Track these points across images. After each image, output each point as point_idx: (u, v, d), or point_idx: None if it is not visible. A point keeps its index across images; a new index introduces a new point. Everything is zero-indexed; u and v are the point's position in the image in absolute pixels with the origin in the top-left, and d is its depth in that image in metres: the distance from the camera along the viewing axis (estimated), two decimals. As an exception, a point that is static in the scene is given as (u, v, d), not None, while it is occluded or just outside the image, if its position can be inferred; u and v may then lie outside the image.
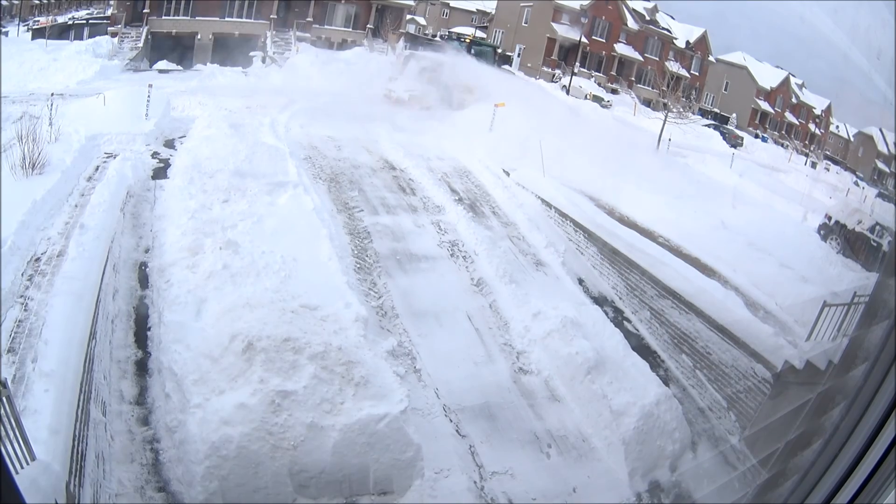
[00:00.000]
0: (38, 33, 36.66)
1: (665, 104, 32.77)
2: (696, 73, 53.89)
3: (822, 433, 4.08)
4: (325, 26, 41.60)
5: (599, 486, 10.11)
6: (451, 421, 10.45)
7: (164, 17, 37.69)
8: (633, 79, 51.98)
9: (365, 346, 10.30)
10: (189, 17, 38.09)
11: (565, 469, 10.21)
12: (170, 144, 19.84)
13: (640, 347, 13.45)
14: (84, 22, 39.24)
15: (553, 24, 48.70)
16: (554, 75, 47.42)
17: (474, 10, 56.89)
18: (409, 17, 47.08)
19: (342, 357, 9.50)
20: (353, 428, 8.71)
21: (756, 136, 51.15)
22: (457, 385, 11.14)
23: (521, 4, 50.59)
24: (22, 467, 5.80)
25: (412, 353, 11.74)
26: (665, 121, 27.92)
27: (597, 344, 12.05)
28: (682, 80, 50.25)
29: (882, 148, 48.16)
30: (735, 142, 44.28)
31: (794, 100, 55.15)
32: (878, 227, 21.23)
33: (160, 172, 17.24)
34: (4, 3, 38.91)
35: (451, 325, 12.83)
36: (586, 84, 47.51)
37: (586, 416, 11.03)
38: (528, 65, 47.06)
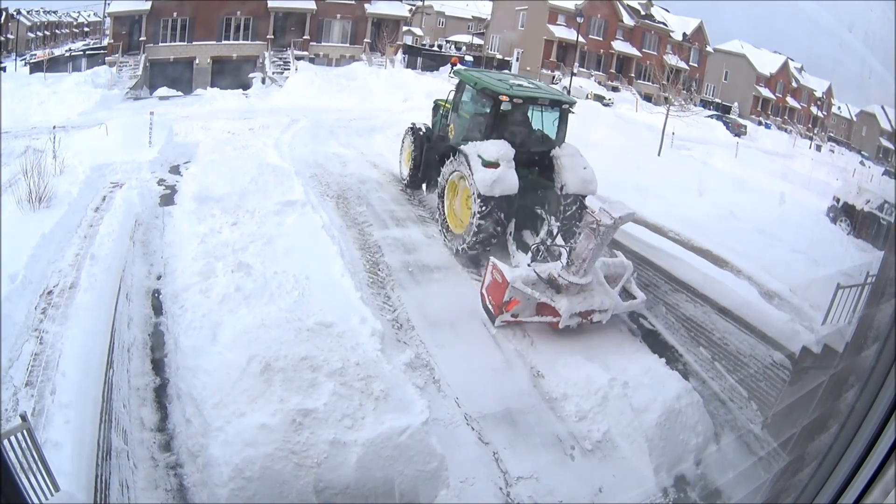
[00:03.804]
0: (35, 67, 36.93)
1: (666, 98, 32.68)
2: (695, 65, 54.06)
3: (839, 416, 4.09)
4: (323, 43, 41.74)
5: (625, 484, 10.07)
6: (474, 429, 10.41)
7: (160, 44, 37.90)
8: (632, 75, 52.15)
9: (383, 359, 10.30)
10: (186, 43, 38.27)
11: (590, 469, 10.16)
12: (175, 170, 19.91)
13: (658, 343, 13.43)
14: (81, 53, 39.51)
15: (549, 26, 48.75)
16: (554, 77, 47.48)
17: (470, 17, 57.00)
18: (405, 28, 47.15)
19: (361, 372, 9.48)
20: (375, 442, 8.68)
21: (759, 124, 51.24)
22: (477, 393, 11.09)
23: (517, 8, 50.71)
24: (46, 499, 5.83)
25: (430, 364, 11.69)
26: (667, 115, 27.86)
27: (614, 341, 12.05)
28: (682, 72, 50.34)
29: (885, 125, 48.15)
30: (738, 131, 44.36)
31: (794, 84, 55.19)
32: (886, 206, 21.19)
33: (167, 199, 17.30)
34: (0, 38, 39.06)
35: (467, 334, 12.78)
36: (587, 83, 47.59)
37: (608, 415, 11.00)
38: (528, 68, 47.15)
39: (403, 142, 20.07)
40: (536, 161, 15.77)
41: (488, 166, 14.41)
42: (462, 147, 15.57)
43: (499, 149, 14.65)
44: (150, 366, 10.69)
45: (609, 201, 12.17)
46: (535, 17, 49.47)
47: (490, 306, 12.98)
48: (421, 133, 18.92)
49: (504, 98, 15.21)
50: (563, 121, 15.98)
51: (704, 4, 54.46)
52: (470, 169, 14.81)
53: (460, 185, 15.79)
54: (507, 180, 14.37)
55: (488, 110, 15.78)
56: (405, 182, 19.86)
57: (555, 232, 14.24)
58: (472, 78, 16.78)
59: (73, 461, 6.75)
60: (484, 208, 14.54)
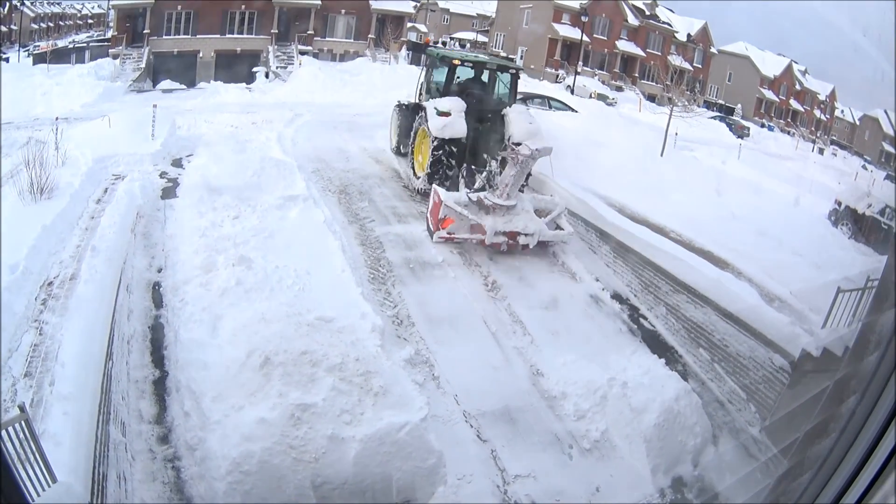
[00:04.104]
0: (38, 58, 36.81)
1: (670, 99, 32.62)
2: (699, 66, 54.00)
3: (839, 420, 4.07)
4: (327, 38, 41.70)
5: (622, 484, 10.05)
6: (472, 426, 10.40)
7: (164, 37, 37.81)
8: (636, 75, 52.05)
9: (382, 355, 10.27)
10: (190, 36, 38.19)
11: (588, 469, 10.14)
12: (177, 163, 19.94)
13: (658, 343, 13.43)
14: (85, 45, 39.47)
15: (554, 25, 48.70)
16: (558, 75, 47.42)
17: (474, 14, 56.98)
18: (409, 25, 47.12)
19: (360, 368, 9.46)
20: (374, 438, 8.67)
21: (762, 126, 51.17)
22: (476, 390, 11.07)
23: (521, 6, 50.67)
24: (43, 489, 5.82)
25: (430, 361, 11.69)
26: (670, 115, 27.79)
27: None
28: (686, 73, 50.29)
29: (888, 129, 48.10)
30: (741, 132, 44.27)
31: (797, 87, 55.16)
32: (888, 210, 21.16)
33: (169, 192, 17.30)
34: (4, 29, 39.01)
35: (467, 331, 12.77)
36: (590, 83, 47.50)
37: (607, 415, 10.98)
38: (532, 67, 47.02)
39: (391, 117, 23.23)
40: (489, 118, 18.73)
41: (441, 115, 17.76)
42: (424, 103, 19.46)
43: (451, 102, 18.06)
44: (149, 358, 10.69)
45: (532, 137, 15.81)
46: (540, 16, 49.43)
47: (430, 225, 15.97)
48: (403, 106, 22.08)
49: (456, 62, 19.20)
50: (513, 85, 19.67)
51: (709, 5, 54.57)
52: (427, 118, 18.24)
53: (424, 135, 18.72)
54: (455, 125, 17.76)
55: (445, 74, 19.44)
56: (393, 150, 22.85)
57: (493, 170, 16.59)
58: (436, 51, 21.41)
59: (70, 453, 6.73)
60: (436, 146, 17.89)
